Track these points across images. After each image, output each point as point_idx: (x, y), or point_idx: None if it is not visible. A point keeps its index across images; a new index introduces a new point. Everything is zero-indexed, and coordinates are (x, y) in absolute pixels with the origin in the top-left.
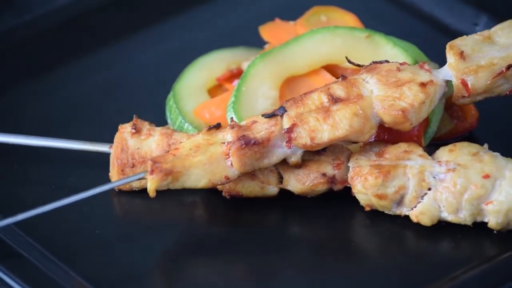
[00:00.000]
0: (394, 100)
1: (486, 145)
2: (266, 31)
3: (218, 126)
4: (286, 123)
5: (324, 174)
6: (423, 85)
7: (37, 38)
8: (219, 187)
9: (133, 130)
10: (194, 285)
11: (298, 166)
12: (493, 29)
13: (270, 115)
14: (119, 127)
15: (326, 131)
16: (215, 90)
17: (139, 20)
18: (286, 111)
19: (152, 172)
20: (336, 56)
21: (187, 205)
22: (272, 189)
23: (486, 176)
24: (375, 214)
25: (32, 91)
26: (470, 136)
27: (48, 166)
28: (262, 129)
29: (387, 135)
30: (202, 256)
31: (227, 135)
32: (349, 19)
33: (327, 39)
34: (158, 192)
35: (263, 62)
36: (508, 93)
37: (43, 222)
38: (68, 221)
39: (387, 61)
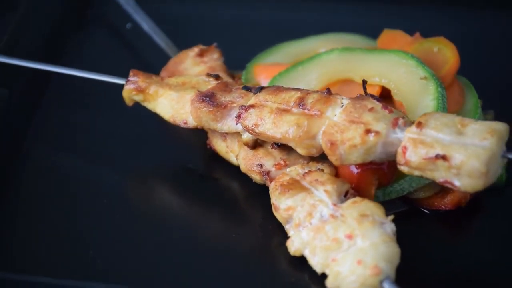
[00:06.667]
0: (337, 132)
1: (390, 217)
2: (385, 35)
3: (215, 76)
4: (250, 101)
5: (260, 165)
6: (367, 131)
7: None
8: None
9: (198, 52)
10: (158, 202)
11: (250, 146)
12: (476, 122)
13: (246, 89)
14: (195, 46)
15: (266, 126)
16: None
17: None
18: (260, 92)
19: (127, 82)
20: (390, 81)
21: (193, 143)
22: (233, 158)
23: (349, 236)
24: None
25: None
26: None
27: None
28: (231, 96)
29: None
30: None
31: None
32: (451, 60)
33: (395, 63)
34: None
35: (337, 55)
36: (441, 181)
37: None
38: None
39: (378, 100)
